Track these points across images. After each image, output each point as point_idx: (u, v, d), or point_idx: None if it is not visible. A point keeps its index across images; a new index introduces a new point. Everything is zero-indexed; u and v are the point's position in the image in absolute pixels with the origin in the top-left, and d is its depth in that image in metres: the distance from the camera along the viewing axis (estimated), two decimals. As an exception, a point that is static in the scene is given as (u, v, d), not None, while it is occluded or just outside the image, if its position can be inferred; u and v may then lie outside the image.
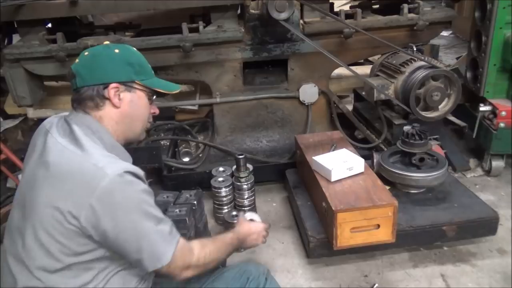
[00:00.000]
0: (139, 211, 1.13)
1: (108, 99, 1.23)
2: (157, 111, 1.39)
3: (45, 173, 1.14)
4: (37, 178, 1.15)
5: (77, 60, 1.26)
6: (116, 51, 1.26)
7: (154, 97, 1.36)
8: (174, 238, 1.20)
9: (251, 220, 1.66)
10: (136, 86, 1.27)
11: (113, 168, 1.11)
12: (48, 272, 1.12)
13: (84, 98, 1.22)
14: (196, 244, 1.28)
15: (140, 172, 1.17)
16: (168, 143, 3.02)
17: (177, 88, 1.40)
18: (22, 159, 2.77)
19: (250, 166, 2.56)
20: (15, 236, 1.17)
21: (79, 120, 1.21)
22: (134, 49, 1.33)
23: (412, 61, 2.63)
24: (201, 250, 1.28)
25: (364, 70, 3.35)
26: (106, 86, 1.22)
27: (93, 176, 1.09)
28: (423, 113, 2.57)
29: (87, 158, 1.12)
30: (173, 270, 1.20)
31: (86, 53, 1.26)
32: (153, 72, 1.35)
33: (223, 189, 2.47)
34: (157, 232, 1.15)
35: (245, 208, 2.51)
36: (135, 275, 1.24)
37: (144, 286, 1.28)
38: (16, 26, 2.70)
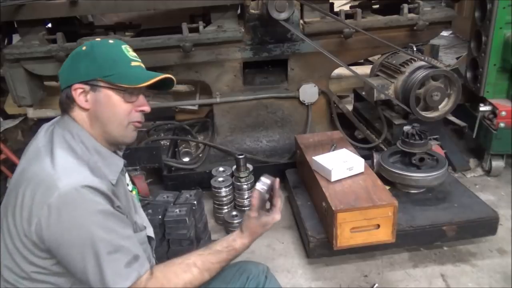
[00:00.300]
0: (88, 233, 1.01)
1: (75, 101, 1.15)
2: (145, 109, 1.21)
3: (15, 179, 1.12)
4: (11, 184, 1.13)
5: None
6: (84, 48, 1.17)
7: (147, 92, 1.23)
8: (131, 273, 1.05)
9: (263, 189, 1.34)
10: (101, 84, 1.14)
11: (67, 181, 1.02)
12: (18, 276, 1.09)
13: (60, 102, 1.18)
14: (152, 284, 1.09)
15: (101, 187, 1.05)
16: (168, 143, 3.02)
17: (147, 79, 1.17)
18: (22, 159, 2.78)
19: (250, 166, 2.56)
20: None
21: (63, 124, 1.17)
22: (111, 41, 1.21)
23: (412, 61, 2.63)
24: (172, 281, 1.12)
25: (364, 70, 3.35)
26: (70, 87, 1.14)
27: (46, 187, 1.02)
28: (423, 113, 2.57)
29: (50, 167, 1.05)
30: None
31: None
32: (132, 63, 1.18)
33: (223, 189, 2.47)
34: (107, 262, 1.02)
35: (245, 206, 2.51)
36: None
37: None
38: (16, 26, 2.70)
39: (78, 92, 1.14)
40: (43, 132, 1.19)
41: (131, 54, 1.20)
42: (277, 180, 1.36)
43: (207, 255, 1.22)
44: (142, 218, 1.38)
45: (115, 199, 1.10)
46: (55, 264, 1.07)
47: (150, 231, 1.39)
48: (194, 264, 1.19)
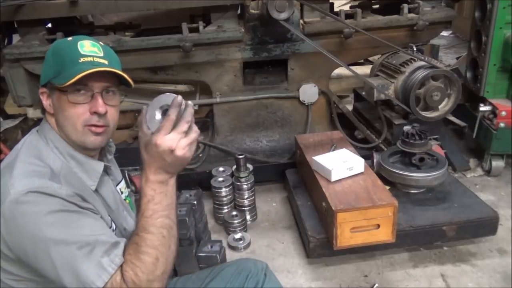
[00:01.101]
0: (48, 235, 0.96)
1: (43, 106, 1.13)
2: (99, 110, 1.08)
3: None
4: None
5: None
6: (49, 47, 1.13)
7: (113, 91, 1.13)
8: (112, 260, 0.97)
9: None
10: (49, 86, 1.11)
11: (18, 187, 0.97)
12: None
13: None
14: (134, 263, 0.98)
15: (58, 191, 0.99)
16: (168, 143, 3.01)
17: (75, 75, 1.03)
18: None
19: (250, 166, 2.56)
20: None
21: (41, 129, 1.15)
22: (69, 38, 1.13)
23: (412, 61, 2.63)
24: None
25: (364, 70, 3.35)
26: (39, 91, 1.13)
27: (1, 194, 0.99)
28: (423, 113, 2.57)
29: (8, 173, 1.02)
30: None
31: None
32: (80, 59, 1.07)
33: (223, 189, 2.48)
34: (80, 257, 0.96)
35: (245, 206, 2.51)
36: None
37: None
38: (16, 26, 2.70)
39: (44, 97, 1.13)
40: (26, 136, 1.17)
41: (86, 49, 1.10)
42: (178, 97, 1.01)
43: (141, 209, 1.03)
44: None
45: (82, 203, 1.04)
46: (27, 272, 1.03)
47: None
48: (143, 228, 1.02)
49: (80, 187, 1.10)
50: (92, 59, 1.08)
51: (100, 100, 1.10)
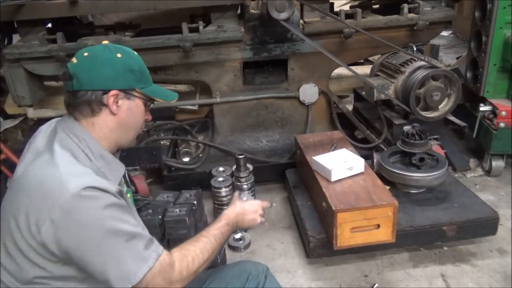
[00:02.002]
0: (103, 228, 1.04)
1: (106, 105, 1.18)
2: (149, 118, 1.34)
3: (16, 182, 1.12)
4: (12, 186, 1.14)
5: (74, 60, 1.18)
6: (118, 55, 1.19)
7: (151, 104, 1.32)
8: (150, 255, 1.09)
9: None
10: (136, 94, 1.22)
11: (76, 183, 1.03)
12: (19, 282, 1.09)
13: (80, 103, 1.17)
14: (176, 257, 1.16)
15: (108, 187, 1.08)
16: (168, 143, 3.02)
17: (175, 97, 1.34)
18: (22, 159, 2.77)
19: (250, 166, 2.56)
20: None
21: (68, 127, 1.17)
22: (135, 53, 1.28)
23: (412, 61, 2.63)
24: (182, 262, 1.16)
25: (364, 70, 3.35)
26: (105, 92, 1.16)
27: (54, 190, 1.03)
28: (423, 113, 2.57)
29: (54, 170, 1.06)
30: (154, 286, 1.10)
31: (85, 54, 1.19)
32: (150, 77, 1.30)
33: (223, 189, 2.47)
34: (126, 249, 1.06)
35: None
36: None
37: None
38: (16, 26, 2.70)
39: (113, 98, 1.18)
40: (41, 134, 1.19)
41: (144, 64, 1.29)
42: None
43: (208, 227, 1.34)
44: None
45: (122, 200, 1.12)
46: (63, 266, 1.07)
47: None
48: (201, 235, 1.29)
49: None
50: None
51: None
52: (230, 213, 1.43)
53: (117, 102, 1.19)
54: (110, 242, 1.04)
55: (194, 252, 1.20)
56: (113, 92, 1.17)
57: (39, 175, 1.07)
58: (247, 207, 1.49)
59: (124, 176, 1.39)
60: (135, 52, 1.28)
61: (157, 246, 1.12)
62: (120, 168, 1.25)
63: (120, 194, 1.12)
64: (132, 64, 1.22)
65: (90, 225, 1.03)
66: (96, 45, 1.24)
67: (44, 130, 1.21)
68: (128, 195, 1.40)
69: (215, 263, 2.05)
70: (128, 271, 1.05)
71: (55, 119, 1.25)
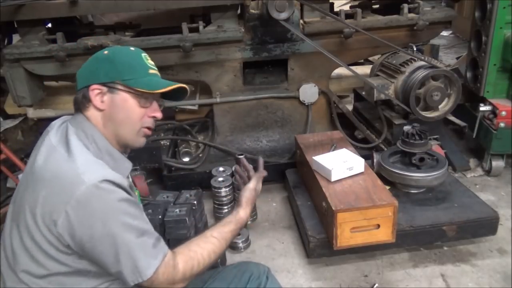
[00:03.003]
0: (117, 221, 1.06)
1: (91, 101, 1.18)
2: (157, 115, 1.27)
3: (31, 176, 1.13)
4: (27, 180, 1.15)
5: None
6: (105, 52, 1.21)
7: (160, 100, 1.28)
8: (159, 252, 1.10)
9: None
10: (119, 87, 1.18)
11: (92, 175, 1.05)
12: (34, 276, 1.10)
13: (76, 101, 1.21)
14: (181, 259, 1.16)
15: (123, 182, 1.10)
16: (168, 143, 3.02)
17: (163, 86, 1.23)
18: (22, 159, 2.78)
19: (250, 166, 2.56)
20: (6, 237, 1.16)
21: (77, 123, 1.19)
22: (132, 48, 1.26)
23: (412, 61, 2.63)
24: (187, 264, 1.16)
25: (364, 70, 3.35)
26: (88, 87, 1.18)
27: (70, 182, 1.05)
28: (423, 113, 2.57)
29: (70, 162, 1.08)
30: (157, 286, 1.11)
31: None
32: (150, 71, 1.24)
33: (223, 189, 2.47)
34: (138, 245, 1.07)
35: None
36: None
37: None
38: (16, 26, 2.70)
39: (95, 93, 1.18)
40: (54, 129, 1.20)
41: (150, 62, 1.26)
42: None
43: (220, 227, 1.31)
44: None
45: (133, 194, 1.14)
46: (79, 259, 1.09)
47: None
48: (212, 235, 1.26)
49: None
50: (156, 72, 1.27)
51: (158, 107, 1.27)
52: (241, 214, 1.40)
53: (102, 97, 1.18)
54: (123, 236, 1.05)
55: (201, 255, 1.19)
56: (94, 86, 1.18)
57: (56, 168, 1.09)
58: (253, 186, 1.51)
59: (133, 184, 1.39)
60: (132, 48, 1.27)
61: (163, 246, 1.13)
62: (127, 166, 1.26)
63: (132, 190, 1.15)
64: (117, 57, 1.20)
65: (105, 217, 1.04)
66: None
67: (58, 126, 1.22)
68: (136, 193, 1.40)
69: (215, 264, 2.06)
70: (141, 266, 1.06)
71: (64, 116, 1.27)
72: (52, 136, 1.17)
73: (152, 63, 1.28)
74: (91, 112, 1.20)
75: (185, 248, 1.20)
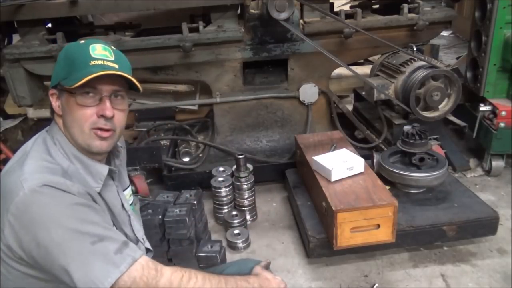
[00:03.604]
0: (63, 228, 0.97)
1: (52, 107, 1.14)
2: (106, 113, 1.10)
3: None
4: None
5: None
6: (52, 47, 1.16)
7: (121, 95, 1.15)
8: (123, 259, 0.99)
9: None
10: (59, 87, 1.12)
11: (32, 181, 0.98)
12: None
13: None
14: (170, 267, 1.07)
15: (71, 188, 1.02)
16: (168, 143, 3.02)
17: (82, 78, 1.05)
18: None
19: (250, 166, 2.56)
20: None
21: (50, 128, 1.16)
22: (81, 41, 1.15)
23: (412, 61, 2.63)
24: (175, 272, 1.06)
25: (364, 70, 3.35)
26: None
27: (11, 189, 0.99)
28: (423, 113, 2.57)
29: (19, 169, 1.03)
30: None
31: None
32: (91, 62, 1.08)
33: (223, 189, 2.47)
34: (92, 252, 0.97)
35: (245, 206, 2.51)
36: None
37: None
38: (16, 26, 2.69)
39: (54, 98, 1.14)
40: (35, 137, 1.18)
41: (98, 52, 1.10)
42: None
43: (229, 276, 1.19)
44: (138, 232, 1.34)
45: (92, 202, 1.06)
46: (32, 270, 1.03)
47: (147, 245, 1.37)
48: (214, 273, 1.17)
49: (86, 187, 1.10)
50: (102, 63, 1.09)
51: (108, 104, 1.11)
52: (253, 279, 1.25)
53: (56, 102, 1.14)
54: (72, 244, 0.97)
55: (195, 274, 1.09)
56: (50, 91, 1.14)
57: (7, 177, 1.05)
58: (273, 280, 1.32)
59: (134, 185, 1.36)
60: (82, 41, 1.15)
61: (133, 250, 1.03)
62: (100, 170, 1.17)
63: (91, 196, 1.08)
64: (61, 56, 1.13)
65: (47, 224, 0.97)
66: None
67: (40, 131, 1.20)
68: (127, 197, 1.37)
69: (215, 262, 2.06)
70: (94, 275, 0.96)
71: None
72: (29, 143, 1.15)
73: (105, 53, 1.11)
74: (56, 118, 1.16)
75: (169, 268, 1.09)
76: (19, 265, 1.03)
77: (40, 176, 1.01)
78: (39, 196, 0.98)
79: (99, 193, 1.17)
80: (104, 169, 1.18)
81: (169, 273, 1.05)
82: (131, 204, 1.36)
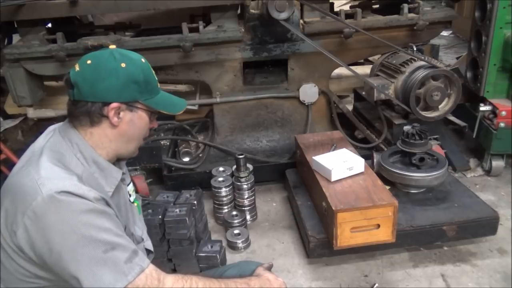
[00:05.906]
0: (77, 235, 0.98)
1: (107, 117, 1.13)
2: (155, 125, 1.28)
3: (5, 182, 1.10)
4: (2, 188, 1.12)
5: (77, 68, 1.12)
6: (123, 65, 1.12)
7: (157, 114, 1.26)
8: (132, 268, 1.02)
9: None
10: (139, 106, 1.17)
11: (50, 186, 0.99)
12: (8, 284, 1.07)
13: (80, 113, 1.12)
14: (172, 276, 1.09)
15: (88, 193, 1.03)
16: (168, 143, 3.02)
17: (182, 108, 1.26)
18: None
19: (250, 166, 2.56)
20: None
21: (64, 131, 1.15)
22: (143, 60, 1.20)
23: (412, 61, 2.63)
24: (177, 281, 1.09)
25: (364, 70, 3.35)
26: (106, 104, 1.11)
27: (28, 192, 1.00)
28: (423, 113, 2.57)
29: (34, 173, 1.04)
30: None
31: (88, 62, 1.12)
32: (157, 84, 1.23)
33: (223, 189, 2.47)
34: (104, 260, 0.99)
35: (245, 206, 2.51)
36: None
37: None
38: (16, 26, 2.69)
39: (114, 111, 1.13)
40: (44, 135, 1.17)
41: (153, 71, 1.22)
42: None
43: (227, 279, 1.24)
44: (141, 230, 1.37)
45: (107, 208, 1.08)
46: (41, 270, 1.04)
47: (149, 244, 1.38)
48: (215, 278, 1.21)
49: (100, 191, 1.10)
50: (159, 85, 1.24)
51: (155, 117, 1.27)
52: (253, 280, 1.28)
53: (118, 114, 1.14)
54: (85, 251, 0.99)
55: (196, 282, 1.11)
56: (115, 104, 1.12)
57: (21, 178, 1.05)
58: (274, 281, 1.35)
59: (134, 185, 1.38)
60: (143, 59, 1.20)
61: (142, 259, 1.06)
62: (115, 175, 1.20)
63: (105, 200, 1.08)
64: (137, 74, 1.14)
65: (63, 230, 0.98)
66: (102, 50, 1.17)
67: (49, 131, 1.19)
68: (136, 204, 1.38)
69: (215, 262, 2.06)
70: (104, 283, 0.98)
71: (61, 123, 1.22)
72: (38, 142, 1.15)
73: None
74: (101, 127, 1.14)
75: (182, 274, 1.14)
76: (29, 264, 1.04)
77: (58, 182, 1.02)
78: (57, 203, 0.99)
79: (111, 196, 1.18)
80: (118, 174, 1.22)
81: (170, 283, 1.07)
82: (135, 200, 1.38)
